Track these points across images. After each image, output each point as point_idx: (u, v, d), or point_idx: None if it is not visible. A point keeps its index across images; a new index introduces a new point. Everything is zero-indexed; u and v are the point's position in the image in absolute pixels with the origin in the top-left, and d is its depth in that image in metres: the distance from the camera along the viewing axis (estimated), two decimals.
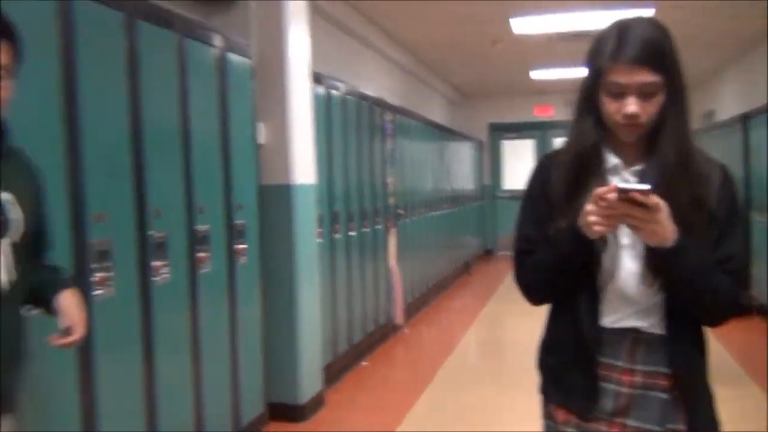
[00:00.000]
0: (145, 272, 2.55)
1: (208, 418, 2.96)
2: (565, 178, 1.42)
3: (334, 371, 4.49)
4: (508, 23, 6.51)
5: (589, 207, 1.30)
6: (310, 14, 4.01)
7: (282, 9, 3.69)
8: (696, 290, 1.35)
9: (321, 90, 4.29)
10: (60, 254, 1.96)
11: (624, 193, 1.25)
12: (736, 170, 7.01)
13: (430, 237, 7.40)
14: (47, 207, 1.61)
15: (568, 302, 1.43)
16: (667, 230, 1.29)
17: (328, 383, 4.28)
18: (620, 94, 1.33)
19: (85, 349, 2.17)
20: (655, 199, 1.25)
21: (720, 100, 9.80)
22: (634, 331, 1.40)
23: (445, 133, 8.45)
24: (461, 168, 9.49)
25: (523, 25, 6.57)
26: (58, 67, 2.15)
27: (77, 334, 1.53)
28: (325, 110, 4.36)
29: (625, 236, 1.39)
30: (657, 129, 1.37)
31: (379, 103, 5.57)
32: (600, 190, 1.28)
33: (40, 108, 2.09)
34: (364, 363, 5.04)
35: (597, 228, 1.30)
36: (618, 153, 1.43)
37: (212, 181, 3.06)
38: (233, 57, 3.21)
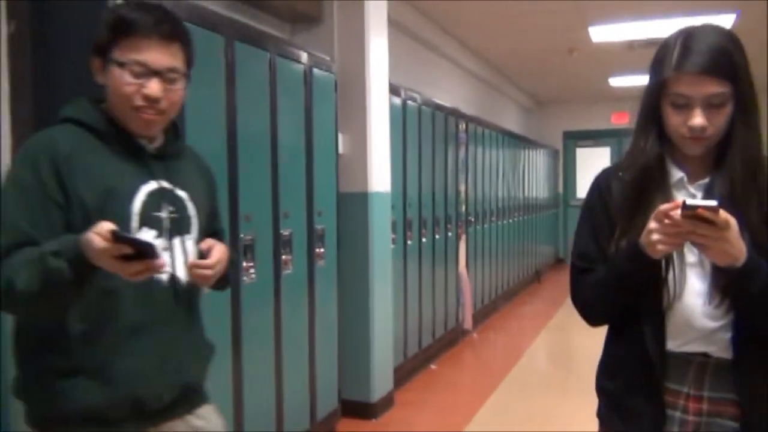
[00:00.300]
0: (235, 273, 2.78)
1: (287, 411, 3.17)
2: (627, 193, 1.36)
3: (404, 373, 4.64)
4: (587, 31, 6.52)
5: (653, 225, 1.23)
6: (387, 28, 4.19)
7: (363, 26, 3.88)
8: (766, 314, 1.26)
9: (397, 101, 4.46)
10: None
11: (690, 210, 1.16)
12: None
13: (502, 244, 7.46)
14: (219, 204, 1.71)
15: (630, 324, 1.36)
16: (736, 249, 1.21)
17: (398, 384, 4.44)
18: (685, 105, 1.27)
19: None
20: (724, 216, 1.17)
21: None
22: (702, 356, 1.33)
23: (518, 140, 8.49)
24: (535, 176, 9.49)
25: (602, 33, 6.56)
26: None
27: (213, 258, 1.44)
28: (401, 120, 4.53)
29: (692, 254, 1.32)
30: (724, 141, 1.31)
31: (454, 113, 5.70)
32: (664, 206, 1.21)
33: None
34: (432, 366, 5.17)
35: (660, 247, 1.23)
36: (682, 166, 1.36)
37: (297, 188, 3.27)
38: (318, 72, 3.41)
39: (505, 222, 7.62)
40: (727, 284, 1.26)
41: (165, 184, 1.46)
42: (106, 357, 1.38)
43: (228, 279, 1.61)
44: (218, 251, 1.46)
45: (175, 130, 1.56)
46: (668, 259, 1.30)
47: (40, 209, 1.33)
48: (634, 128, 1.39)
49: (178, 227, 1.45)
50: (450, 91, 6.83)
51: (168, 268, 1.38)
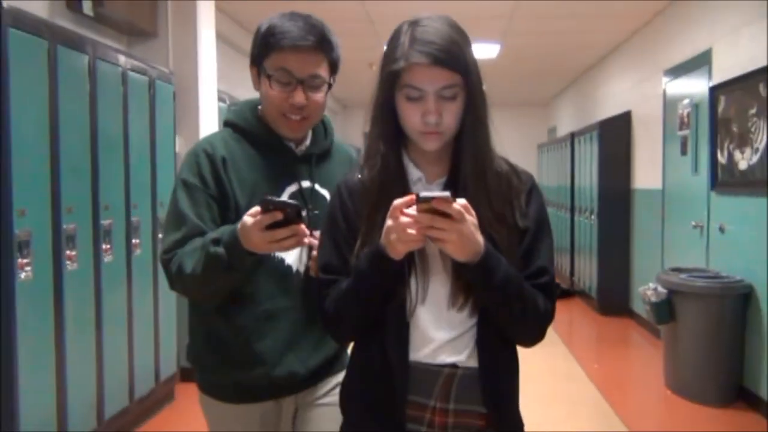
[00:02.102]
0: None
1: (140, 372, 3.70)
2: (366, 196, 1.30)
3: None
4: (383, 49, 7.55)
5: (390, 223, 1.17)
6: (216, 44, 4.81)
7: (195, 41, 4.48)
8: (510, 308, 1.24)
9: (223, 105, 5.09)
10: None
11: (425, 203, 1.12)
12: (566, 178, 8.51)
13: None
14: None
15: (373, 334, 1.29)
16: (474, 242, 1.17)
17: None
18: (419, 98, 1.23)
19: None
20: (458, 207, 1.13)
21: (560, 119, 11.45)
22: (451, 367, 1.27)
23: None
24: None
25: None
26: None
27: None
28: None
29: (435, 256, 1.27)
30: (459, 137, 1.28)
31: None
32: (398, 201, 1.16)
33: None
34: None
35: (400, 247, 1.17)
36: (422, 165, 1.32)
37: (143, 182, 3.80)
38: (160, 83, 3.97)
39: None
40: (468, 282, 1.23)
41: (307, 184, 1.60)
42: (246, 338, 1.55)
43: None
44: None
45: (324, 130, 1.69)
46: (411, 262, 1.24)
47: (203, 205, 1.52)
48: (369, 126, 1.32)
49: (315, 224, 1.51)
50: None
51: (307, 240, 1.43)
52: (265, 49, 1.53)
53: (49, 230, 2.89)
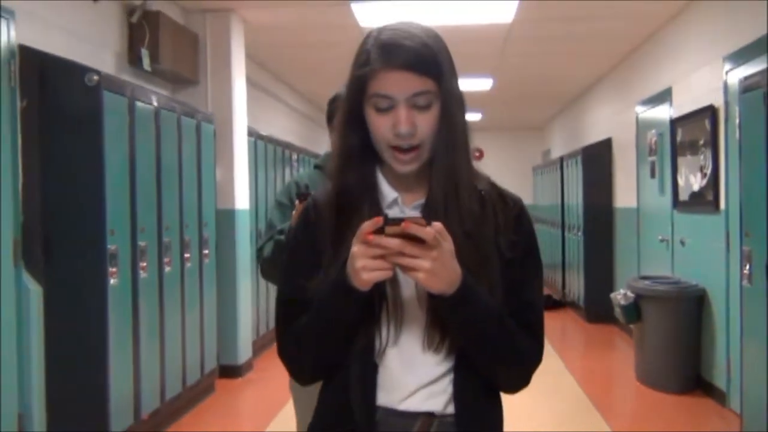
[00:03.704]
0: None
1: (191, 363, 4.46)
2: (334, 219, 1.16)
3: (259, 346, 6.01)
4: None
5: (355, 248, 1.03)
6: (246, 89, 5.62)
7: (230, 87, 5.29)
8: (489, 348, 1.11)
9: (251, 139, 5.88)
10: None
11: (394, 225, 0.99)
12: (557, 198, 9.28)
13: None
14: None
15: (339, 374, 1.15)
16: (449, 271, 1.04)
17: (255, 354, 5.80)
18: (388, 108, 1.11)
19: None
20: (432, 232, 1.00)
21: (554, 142, 12.24)
22: (426, 415, 1.14)
23: None
24: None
25: None
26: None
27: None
28: (254, 154, 5.97)
29: (409, 287, 1.13)
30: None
31: (288, 146, 7.21)
32: (366, 224, 1.02)
33: None
34: None
35: (366, 276, 1.03)
36: (398, 186, 1.19)
37: (191, 206, 4.58)
38: (204, 124, 4.77)
39: None
40: (442, 317, 1.10)
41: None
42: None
43: None
44: None
45: None
46: (381, 293, 1.12)
47: (288, 218, 2.10)
48: (336, 141, 1.21)
49: None
50: (281, 126, 8.33)
51: None
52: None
53: (128, 246, 3.66)
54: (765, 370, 3.26)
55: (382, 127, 1.13)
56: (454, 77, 1.17)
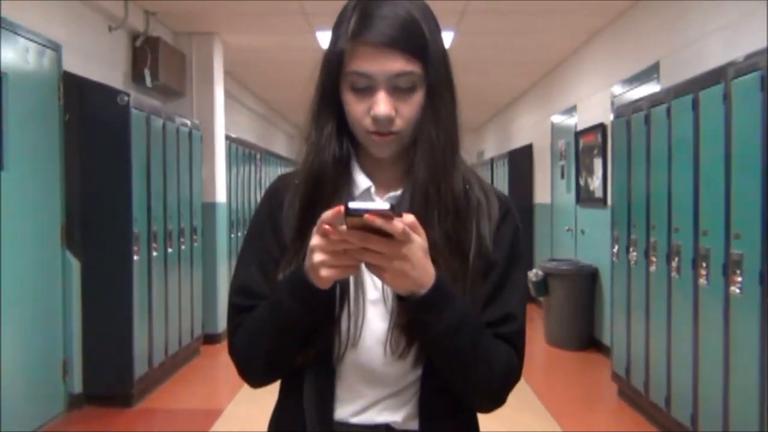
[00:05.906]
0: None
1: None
2: (298, 207, 1.04)
3: None
4: None
5: (315, 241, 0.90)
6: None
7: (212, 98, 6.27)
8: (460, 361, 0.97)
9: (225, 141, 6.87)
10: None
11: (356, 217, 0.85)
12: None
13: None
14: None
15: (294, 382, 1.04)
16: (420, 270, 0.91)
17: None
18: (367, 89, 0.98)
19: None
20: (401, 226, 0.86)
21: (487, 143, 13.54)
22: (385, 428, 1.02)
23: (287, 161, 11.18)
24: None
25: None
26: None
27: None
28: (227, 156, 6.96)
29: (374, 286, 1.02)
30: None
31: (254, 147, 8.20)
32: (327, 214, 0.88)
33: None
34: None
35: (325, 272, 0.90)
36: (373, 174, 1.06)
37: (185, 198, 5.55)
38: (194, 132, 5.75)
39: None
40: (410, 321, 0.97)
41: None
42: None
43: None
44: None
45: None
46: (343, 292, 1.00)
47: None
48: (308, 123, 1.06)
49: None
50: (244, 126, 9.29)
51: None
52: None
53: (146, 230, 4.64)
54: (624, 324, 4.52)
55: (359, 110, 1.00)
56: (444, 58, 1.04)
